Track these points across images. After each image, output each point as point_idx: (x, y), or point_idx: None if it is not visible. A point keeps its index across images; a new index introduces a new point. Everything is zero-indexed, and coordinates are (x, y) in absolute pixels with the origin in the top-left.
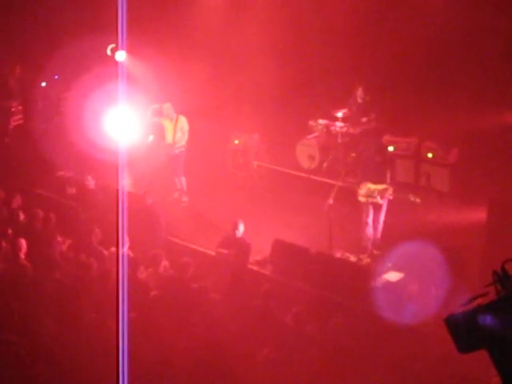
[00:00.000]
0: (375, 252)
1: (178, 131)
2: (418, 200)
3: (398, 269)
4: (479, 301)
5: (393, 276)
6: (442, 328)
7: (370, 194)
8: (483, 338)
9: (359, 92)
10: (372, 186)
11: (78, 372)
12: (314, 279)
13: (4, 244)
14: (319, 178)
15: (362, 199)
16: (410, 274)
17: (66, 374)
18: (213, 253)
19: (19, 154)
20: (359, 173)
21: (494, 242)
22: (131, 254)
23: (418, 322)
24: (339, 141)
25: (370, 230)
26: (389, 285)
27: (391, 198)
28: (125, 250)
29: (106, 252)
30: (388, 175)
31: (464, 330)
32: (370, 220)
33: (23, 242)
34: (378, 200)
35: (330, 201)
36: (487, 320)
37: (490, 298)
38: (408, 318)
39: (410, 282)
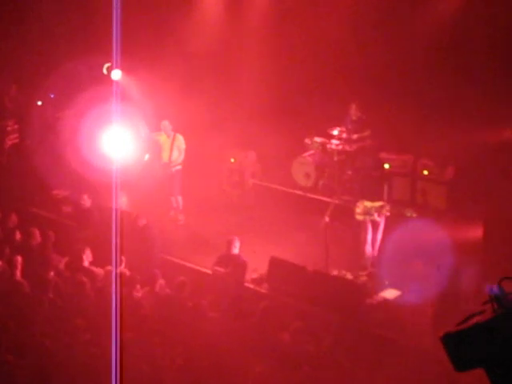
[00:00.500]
0: (372, 269)
1: (175, 149)
2: (414, 215)
3: (395, 286)
4: (476, 319)
5: (390, 293)
6: (439, 346)
7: (367, 212)
8: (480, 356)
9: (353, 109)
10: (369, 204)
11: None
12: (311, 297)
13: (1, 263)
14: (315, 196)
15: (359, 217)
16: (407, 292)
17: None
18: (209, 271)
19: (15, 172)
20: (356, 190)
21: (491, 258)
22: (127, 273)
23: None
24: (335, 159)
25: (368, 248)
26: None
27: (388, 214)
28: (120, 268)
29: (100, 271)
30: (385, 192)
31: (461, 349)
32: (369, 237)
33: (19, 260)
34: (375, 217)
35: (327, 219)
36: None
37: (487, 317)
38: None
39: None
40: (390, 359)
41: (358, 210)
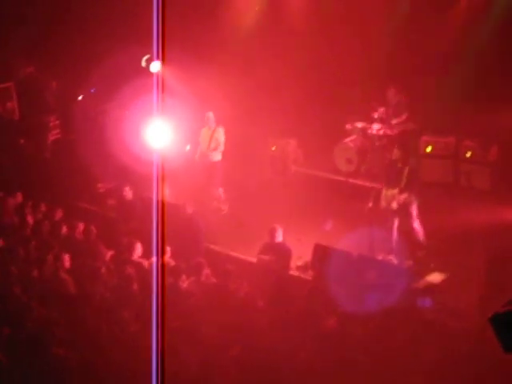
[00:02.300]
0: (418, 254)
1: (214, 141)
2: None
3: (440, 270)
4: None
5: (435, 277)
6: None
7: (389, 199)
8: None
9: (393, 93)
10: (390, 191)
11: (116, 379)
12: (356, 283)
13: (49, 257)
14: (358, 182)
15: (383, 204)
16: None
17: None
18: (254, 259)
19: (58, 167)
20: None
21: None
22: (172, 263)
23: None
24: (376, 143)
25: (395, 235)
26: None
27: (404, 202)
28: (164, 258)
29: (146, 263)
30: (404, 180)
31: (510, 329)
32: (395, 226)
33: (66, 257)
34: (394, 205)
35: (370, 204)
36: None
37: None
38: None
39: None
40: (435, 342)
41: (383, 196)
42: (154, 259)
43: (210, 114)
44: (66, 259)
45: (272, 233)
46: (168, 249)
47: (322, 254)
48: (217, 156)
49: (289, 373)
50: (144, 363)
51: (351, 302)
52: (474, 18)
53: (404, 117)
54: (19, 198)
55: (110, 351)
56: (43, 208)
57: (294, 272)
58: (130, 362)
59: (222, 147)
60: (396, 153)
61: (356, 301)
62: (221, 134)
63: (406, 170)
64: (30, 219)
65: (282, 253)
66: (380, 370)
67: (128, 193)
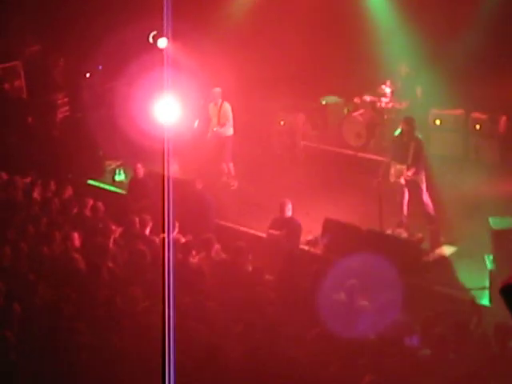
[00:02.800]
0: (428, 227)
1: (222, 117)
2: None
3: (450, 243)
4: None
5: (446, 250)
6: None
7: (397, 174)
8: None
9: (403, 67)
10: (398, 166)
11: (126, 356)
12: (366, 257)
13: (58, 234)
14: (367, 155)
15: (392, 179)
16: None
17: (116, 359)
18: (264, 235)
19: (67, 145)
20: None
21: None
22: (182, 240)
23: None
24: (385, 117)
25: (405, 209)
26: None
27: (410, 177)
28: (173, 235)
29: (156, 239)
30: (411, 155)
31: None
32: (405, 200)
33: (75, 235)
34: (401, 181)
35: (379, 178)
36: None
37: None
38: None
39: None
40: (446, 314)
41: (392, 171)
42: (166, 235)
43: (217, 90)
44: (76, 237)
45: (282, 207)
46: (176, 224)
47: (331, 228)
48: (228, 131)
49: (297, 350)
50: (154, 341)
51: (362, 276)
52: None
53: (413, 90)
54: (29, 176)
55: (122, 327)
56: (53, 186)
57: (304, 246)
58: (141, 338)
59: (231, 122)
60: (402, 126)
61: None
62: (228, 110)
63: (412, 145)
64: (39, 197)
65: (291, 227)
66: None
67: (140, 170)
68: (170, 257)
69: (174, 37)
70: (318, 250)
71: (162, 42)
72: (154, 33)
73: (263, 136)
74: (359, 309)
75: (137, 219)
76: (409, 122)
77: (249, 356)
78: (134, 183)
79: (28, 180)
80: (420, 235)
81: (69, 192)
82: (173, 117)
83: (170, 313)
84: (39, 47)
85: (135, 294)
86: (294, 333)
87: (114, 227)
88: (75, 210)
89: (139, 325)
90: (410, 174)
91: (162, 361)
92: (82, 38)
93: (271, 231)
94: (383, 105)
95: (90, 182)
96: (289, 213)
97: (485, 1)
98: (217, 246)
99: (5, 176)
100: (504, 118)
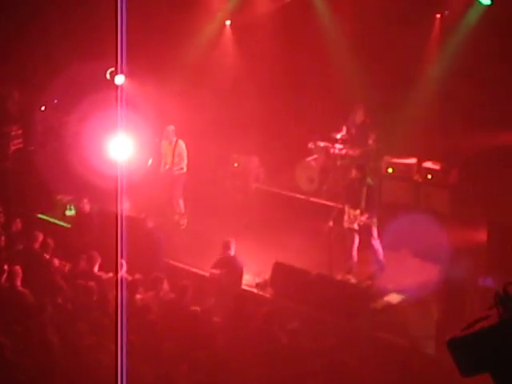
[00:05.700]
0: (377, 274)
1: (176, 155)
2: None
3: (399, 291)
4: (481, 324)
5: (394, 298)
6: (441, 350)
7: (351, 219)
8: (486, 361)
9: (359, 114)
10: (352, 212)
11: None
12: (315, 301)
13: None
14: (319, 200)
15: (345, 224)
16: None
17: None
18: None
19: (19, 177)
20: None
21: (496, 263)
22: (129, 278)
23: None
24: (338, 163)
25: (354, 254)
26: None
27: (364, 223)
28: (122, 273)
29: (104, 276)
30: (363, 200)
31: (466, 353)
32: (355, 246)
33: (18, 269)
34: (355, 226)
35: (330, 223)
36: None
37: (493, 321)
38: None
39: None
40: (392, 362)
41: (346, 217)
42: (119, 273)
43: (171, 127)
44: (19, 273)
45: (225, 246)
46: (124, 262)
47: (281, 271)
48: (181, 168)
49: None
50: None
51: (309, 320)
52: (442, 39)
53: (367, 137)
54: None
55: (64, 362)
56: (2, 219)
57: (253, 289)
58: (84, 373)
59: (185, 160)
60: (354, 173)
61: (313, 320)
62: (182, 148)
63: (364, 191)
64: None
65: (233, 267)
66: None
67: (86, 205)
68: (122, 295)
69: (131, 74)
70: (266, 293)
71: (119, 79)
72: (112, 69)
73: (216, 176)
74: (302, 351)
75: (82, 255)
76: (360, 169)
77: None
78: (79, 218)
79: None
80: (369, 282)
81: (17, 225)
82: (126, 154)
83: (122, 350)
84: None
85: (81, 330)
86: (241, 372)
87: (62, 262)
88: (23, 245)
89: (83, 361)
90: (363, 218)
91: None
92: (39, 71)
93: (213, 270)
94: (337, 151)
95: (41, 216)
96: (231, 252)
97: (440, 56)
98: (165, 285)
99: None
100: (455, 170)
